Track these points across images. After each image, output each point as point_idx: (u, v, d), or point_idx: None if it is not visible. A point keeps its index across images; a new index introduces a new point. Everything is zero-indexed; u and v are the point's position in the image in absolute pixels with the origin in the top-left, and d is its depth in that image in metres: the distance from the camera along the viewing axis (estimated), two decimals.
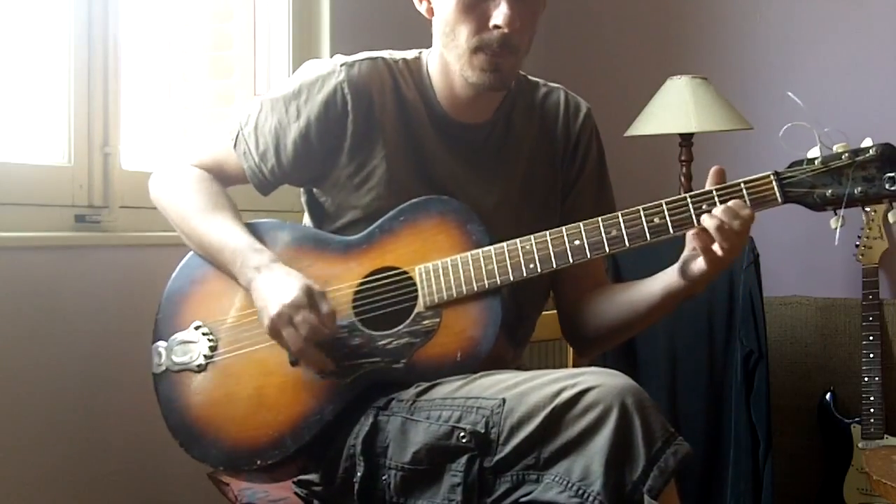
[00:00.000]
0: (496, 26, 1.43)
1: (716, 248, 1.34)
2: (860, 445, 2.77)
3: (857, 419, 2.81)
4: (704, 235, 1.34)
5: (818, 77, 3.06)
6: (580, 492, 1.20)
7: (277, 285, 1.42)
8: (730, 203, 1.34)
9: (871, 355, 2.78)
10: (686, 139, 2.86)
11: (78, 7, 1.91)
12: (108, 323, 1.88)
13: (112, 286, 1.90)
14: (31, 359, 1.75)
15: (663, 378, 2.75)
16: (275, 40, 2.54)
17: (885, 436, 2.75)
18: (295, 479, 1.51)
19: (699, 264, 1.38)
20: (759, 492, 2.58)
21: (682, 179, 2.87)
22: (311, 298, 1.40)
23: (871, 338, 2.79)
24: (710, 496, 2.70)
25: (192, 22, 2.55)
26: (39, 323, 1.77)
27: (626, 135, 2.87)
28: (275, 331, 1.41)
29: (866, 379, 2.78)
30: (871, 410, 2.76)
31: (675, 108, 2.78)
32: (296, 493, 1.51)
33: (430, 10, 1.52)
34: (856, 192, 1.32)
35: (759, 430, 2.59)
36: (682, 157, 2.87)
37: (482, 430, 1.27)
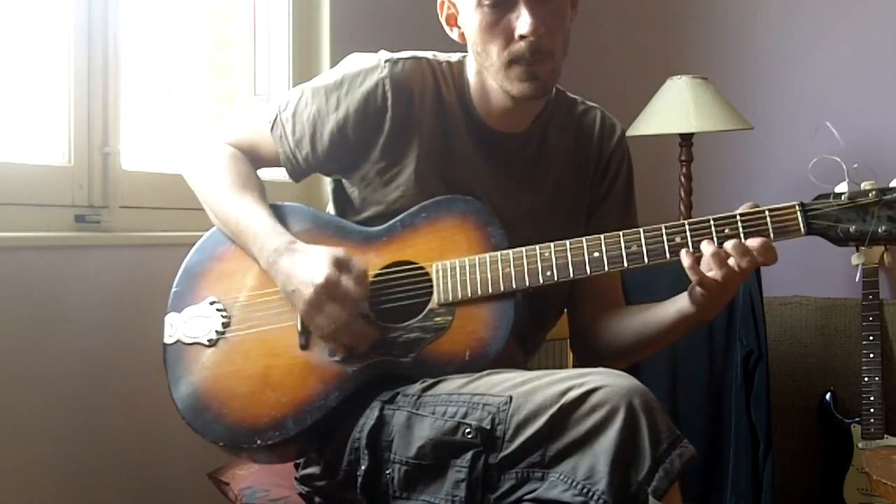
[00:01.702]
0: (522, 36, 1.42)
1: (712, 275, 1.34)
2: (860, 445, 2.77)
3: (857, 419, 2.81)
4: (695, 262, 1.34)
5: (818, 77, 3.06)
6: (585, 490, 1.20)
7: (305, 266, 1.42)
8: (727, 244, 1.33)
9: (871, 355, 2.78)
10: (686, 139, 2.86)
11: (78, 7, 1.90)
12: (108, 323, 1.88)
13: (112, 286, 1.90)
14: (31, 359, 1.75)
15: (663, 378, 2.75)
16: (275, 40, 2.54)
17: (885, 436, 2.75)
18: (297, 475, 1.51)
19: (697, 290, 1.38)
20: (759, 492, 2.58)
21: (682, 179, 2.87)
22: (341, 267, 1.40)
23: (871, 338, 2.79)
24: (710, 496, 2.69)
25: (192, 22, 2.56)
26: (39, 323, 1.76)
27: (626, 135, 2.87)
28: (314, 311, 1.40)
29: (866, 379, 2.78)
30: (871, 410, 2.76)
31: (675, 108, 2.78)
32: (299, 494, 1.52)
33: (462, 36, 1.52)
34: (880, 230, 1.31)
35: (759, 430, 2.59)
36: (682, 157, 2.87)
37: (488, 427, 1.27)
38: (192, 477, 1.78)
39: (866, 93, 3.00)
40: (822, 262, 3.01)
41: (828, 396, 2.91)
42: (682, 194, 2.87)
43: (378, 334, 1.43)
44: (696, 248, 1.35)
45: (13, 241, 1.73)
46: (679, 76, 2.82)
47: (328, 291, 1.39)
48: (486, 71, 1.50)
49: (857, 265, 1.37)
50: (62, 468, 1.81)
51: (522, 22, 1.42)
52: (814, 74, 3.07)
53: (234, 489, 1.62)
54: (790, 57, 3.11)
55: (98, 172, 1.95)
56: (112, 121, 1.97)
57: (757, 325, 2.63)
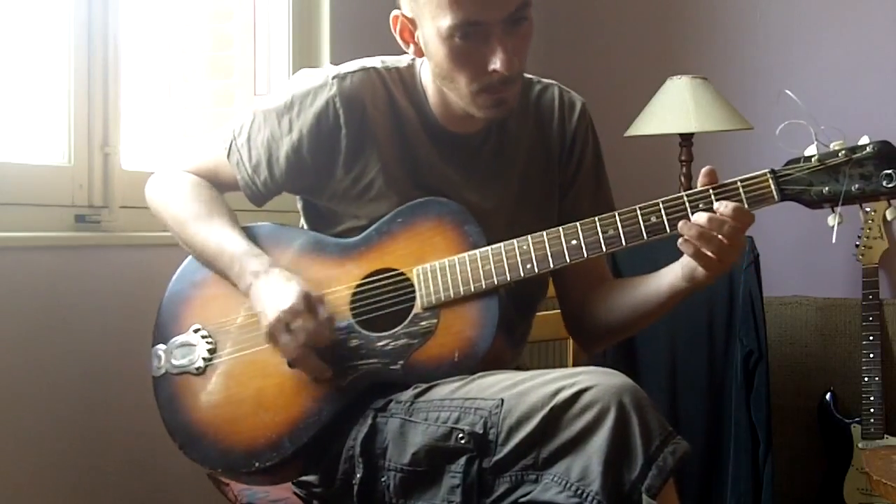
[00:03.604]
0: (495, 71, 1.39)
1: (706, 252, 1.33)
2: (860, 445, 2.77)
3: (857, 419, 2.81)
4: (689, 244, 1.33)
5: (818, 77, 3.06)
6: (579, 491, 1.19)
7: (275, 291, 1.42)
8: (717, 206, 1.32)
9: (871, 355, 2.78)
10: (686, 139, 2.86)
11: (78, 7, 1.90)
12: (108, 323, 1.88)
13: (112, 286, 1.90)
14: (31, 359, 1.75)
15: (663, 378, 2.75)
16: (275, 40, 2.54)
17: (885, 436, 2.75)
18: (294, 481, 1.51)
19: (699, 271, 1.37)
20: (759, 492, 2.58)
21: (682, 179, 2.87)
22: (308, 304, 1.40)
23: (871, 338, 2.79)
24: (710, 496, 2.70)
25: (192, 22, 2.56)
26: (39, 323, 1.77)
27: (626, 135, 2.87)
28: (272, 336, 1.41)
29: (866, 379, 2.78)
30: (871, 410, 2.76)
31: (675, 108, 2.78)
32: (295, 494, 1.52)
33: (420, 52, 1.48)
34: (853, 189, 1.30)
35: (759, 430, 2.59)
36: (682, 157, 2.87)
37: (481, 431, 1.26)
38: (192, 477, 1.78)
39: (866, 92, 3.00)
40: (822, 262, 3.01)
41: (828, 396, 2.91)
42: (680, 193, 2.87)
43: (330, 374, 1.42)
44: (675, 226, 1.34)
45: (13, 241, 1.73)
46: (679, 76, 2.82)
47: (287, 320, 1.39)
48: (447, 91, 1.47)
49: (834, 226, 1.35)
50: (61, 468, 1.81)
51: (497, 58, 1.38)
52: (814, 74, 3.07)
53: (234, 489, 1.62)
54: (790, 57, 3.11)
55: (98, 172, 1.95)
56: (112, 121, 1.97)
57: (757, 325, 2.63)
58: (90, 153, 1.94)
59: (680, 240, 1.33)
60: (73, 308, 1.82)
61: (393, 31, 1.50)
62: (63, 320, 1.81)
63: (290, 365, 1.44)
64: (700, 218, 1.32)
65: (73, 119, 1.91)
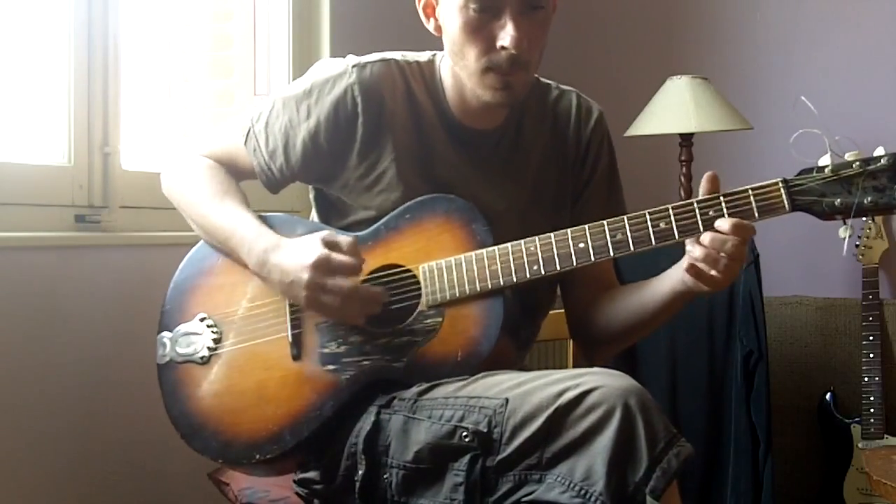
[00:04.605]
0: (503, 47, 1.41)
1: (713, 273, 1.34)
2: (860, 445, 2.77)
3: (857, 419, 2.81)
4: (696, 268, 1.34)
5: (818, 77, 3.06)
6: (582, 492, 1.20)
7: (294, 255, 1.41)
8: (718, 225, 1.32)
9: (871, 355, 2.79)
10: (686, 139, 2.86)
11: (78, 7, 1.90)
12: (107, 323, 1.88)
13: (112, 286, 1.90)
14: (30, 359, 1.75)
15: (663, 378, 2.75)
16: (275, 40, 2.55)
17: (885, 436, 2.75)
18: (296, 479, 1.51)
19: (699, 286, 1.37)
20: (759, 492, 2.58)
21: (682, 179, 2.87)
22: (330, 245, 1.40)
23: (871, 338, 2.79)
24: (710, 496, 2.70)
25: (192, 22, 2.56)
26: (39, 323, 1.76)
27: (626, 135, 2.87)
28: (316, 292, 1.39)
29: (866, 379, 2.78)
30: (871, 410, 2.76)
31: (675, 108, 2.78)
32: (297, 493, 1.52)
33: (439, 28, 1.50)
34: (866, 201, 1.29)
35: (759, 430, 2.59)
36: (682, 157, 2.87)
37: (485, 430, 1.27)
38: (192, 477, 1.78)
39: (866, 92, 3.00)
40: (822, 262, 3.01)
41: (828, 396, 2.91)
42: (682, 194, 2.87)
43: (386, 295, 1.43)
44: (684, 232, 1.35)
45: (13, 241, 1.73)
46: (679, 76, 2.82)
47: (324, 267, 1.39)
48: (459, 70, 1.49)
49: (845, 238, 1.34)
50: (61, 467, 1.81)
51: (506, 34, 1.41)
52: (814, 74, 3.07)
53: (234, 489, 1.62)
54: (790, 56, 3.11)
55: (98, 172, 1.95)
56: (112, 121, 1.97)
57: (757, 325, 2.63)
58: (90, 153, 1.93)
59: (686, 265, 1.35)
60: (73, 308, 1.82)
61: (417, 5, 1.52)
62: (63, 320, 1.81)
63: (295, 356, 1.45)
64: (704, 238, 1.33)
65: (73, 119, 1.91)
